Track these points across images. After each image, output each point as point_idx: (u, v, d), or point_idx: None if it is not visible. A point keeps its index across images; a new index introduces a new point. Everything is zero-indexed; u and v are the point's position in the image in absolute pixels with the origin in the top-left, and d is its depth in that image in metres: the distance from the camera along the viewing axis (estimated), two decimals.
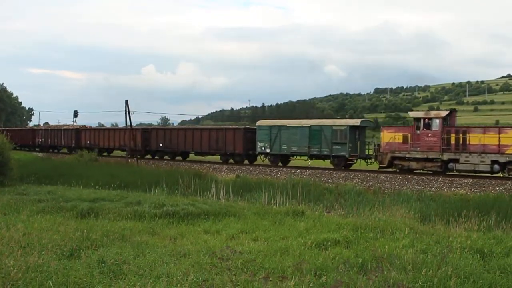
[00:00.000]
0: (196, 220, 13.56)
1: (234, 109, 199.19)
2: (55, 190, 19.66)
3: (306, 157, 33.44)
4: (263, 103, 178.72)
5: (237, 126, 43.72)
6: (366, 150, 31.73)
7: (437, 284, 7.02)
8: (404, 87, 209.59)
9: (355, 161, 31.86)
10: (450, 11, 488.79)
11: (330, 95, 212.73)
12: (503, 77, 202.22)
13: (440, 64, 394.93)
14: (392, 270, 7.56)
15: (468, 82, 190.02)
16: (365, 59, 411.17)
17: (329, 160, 32.24)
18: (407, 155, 27.51)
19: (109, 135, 46.35)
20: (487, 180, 24.65)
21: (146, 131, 43.50)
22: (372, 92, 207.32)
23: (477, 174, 25.69)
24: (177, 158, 40.80)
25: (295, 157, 34.43)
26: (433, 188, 24.69)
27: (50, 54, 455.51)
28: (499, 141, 24.66)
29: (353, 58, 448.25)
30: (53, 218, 13.11)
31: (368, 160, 31.19)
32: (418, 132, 27.28)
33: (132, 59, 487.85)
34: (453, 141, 26.13)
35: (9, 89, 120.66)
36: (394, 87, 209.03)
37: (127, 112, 39.75)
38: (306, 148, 32.19)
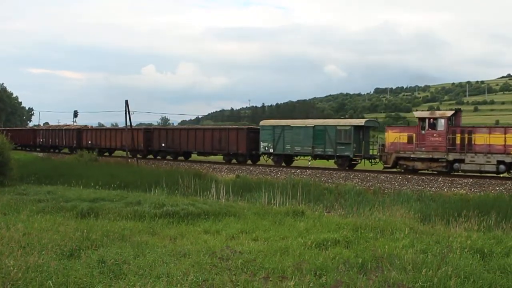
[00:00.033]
0: (196, 220, 13.56)
1: (234, 109, 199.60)
2: (55, 190, 19.66)
3: (310, 157, 33.38)
4: (263, 103, 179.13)
5: (240, 126, 43.61)
6: (371, 150, 31.70)
7: (437, 284, 7.02)
8: (404, 87, 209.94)
9: (359, 161, 31.80)
10: (450, 11, 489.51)
11: (330, 95, 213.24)
12: (503, 77, 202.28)
13: (440, 64, 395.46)
14: (392, 270, 7.56)
15: (468, 82, 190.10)
16: (365, 59, 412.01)
17: (333, 160, 32.14)
18: (412, 155, 27.39)
19: (110, 135, 46.30)
20: (487, 180, 24.61)
21: (148, 131, 43.43)
22: (372, 92, 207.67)
23: (482, 175, 25.57)
24: (179, 158, 40.69)
25: (298, 157, 34.43)
26: (433, 188, 24.68)
27: (50, 54, 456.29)
28: (505, 141, 24.53)
29: (353, 58, 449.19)
30: (53, 218, 13.11)
31: (373, 160, 31.09)
32: (423, 132, 27.16)
33: (132, 59, 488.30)
34: (458, 141, 25.99)
35: (9, 89, 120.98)
36: (394, 87, 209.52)
37: (127, 112, 39.75)
38: (310, 148, 32.12)
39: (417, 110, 31.81)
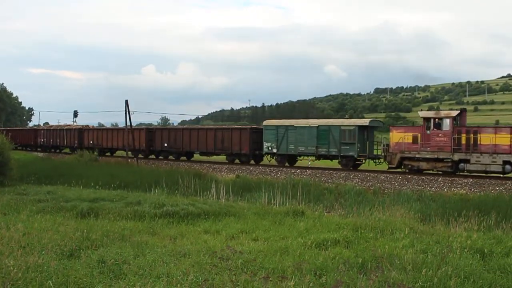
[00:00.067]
0: (196, 220, 13.57)
1: (234, 109, 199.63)
2: (55, 190, 19.68)
3: (314, 157, 33.34)
4: (263, 103, 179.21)
5: (243, 126, 43.52)
6: (375, 150, 31.63)
7: (437, 284, 7.03)
8: (404, 87, 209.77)
9: (363, 161, 31.70)
10: (450, 11, 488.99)
11: (330, 95, 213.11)
12: (503, 77, 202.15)
13: (440, 64, 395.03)
14: (392, 270, 7.57)
15: (468, 82, 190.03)
16: (365, 59, 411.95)
17: (337, 160, 32.06)
18: (417, 155, 27.25)
19: (112, 135, 46.26)
20: (487, 180, 24.59)
21: (151, 131, 43.39)
22: (372, 92, 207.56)
23: (487, 175, 25.47)
24: (180, 158, 40.59)
25: (302, 157, 34.32)
26: (433, 188, 24.68)
27: (50, 54, 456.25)
28: (511, 141, 24.47)
29: (353, 58, 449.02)
30: (53, 218, 13.12)
31: (377, 161, 30.99)
32: (428, 132, 27.04)
33: (132, 59, 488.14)
34: (463, 141, 25.85)
35: (9, 89, 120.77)
36: (394, 87, 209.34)
37: (127, 112, 39.76)
38: (313, 148, 32.05)
39: (421, 110, 31.53)
